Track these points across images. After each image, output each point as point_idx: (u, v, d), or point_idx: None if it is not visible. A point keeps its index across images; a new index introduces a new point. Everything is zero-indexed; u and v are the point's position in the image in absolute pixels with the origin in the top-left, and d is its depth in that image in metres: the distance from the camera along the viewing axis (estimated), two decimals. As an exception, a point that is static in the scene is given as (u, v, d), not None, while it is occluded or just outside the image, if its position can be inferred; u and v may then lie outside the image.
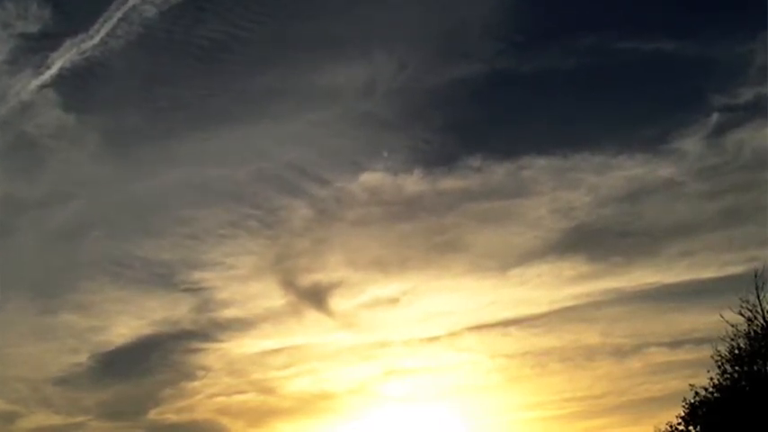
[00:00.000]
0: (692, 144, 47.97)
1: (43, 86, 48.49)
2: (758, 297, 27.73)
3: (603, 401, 48.87)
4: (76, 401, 50.48)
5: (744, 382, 27.98)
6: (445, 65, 51.14)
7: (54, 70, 48.01)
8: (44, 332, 51.42)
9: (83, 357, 49.88)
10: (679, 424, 29.30)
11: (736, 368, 28.19)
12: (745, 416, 26.90)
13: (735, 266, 44.48)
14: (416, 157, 51.46)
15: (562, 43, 49.96)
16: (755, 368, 27.86)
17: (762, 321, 27.69)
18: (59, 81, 48.57)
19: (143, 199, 52.78)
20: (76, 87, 49.58)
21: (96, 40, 47.47)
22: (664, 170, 48.48)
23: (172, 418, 49.12)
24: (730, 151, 47.56)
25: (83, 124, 51.04)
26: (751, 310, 27.76)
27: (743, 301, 27.87)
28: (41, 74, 48.20)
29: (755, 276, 27.60)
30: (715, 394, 28.52)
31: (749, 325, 27.87)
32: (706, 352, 29.20)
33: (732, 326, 28.09)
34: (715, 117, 47.78)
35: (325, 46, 51.01)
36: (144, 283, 52.27)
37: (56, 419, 49.12)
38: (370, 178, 51.07)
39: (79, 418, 49.36)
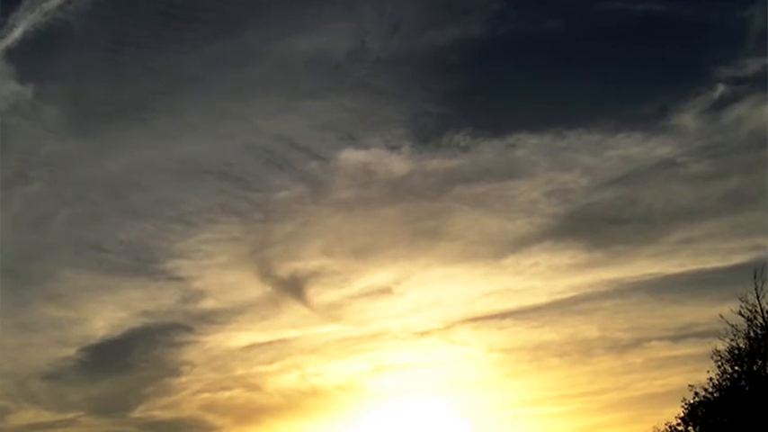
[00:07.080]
0: (691, 120, 46.35)
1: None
2: (758, 297, 27.58)
3: (603, 398, 48.06)
4: (65, 397, 50.01)
5: (743, 382, 27.85)
6: (440, 26, 49.03)
7: (13, 35, 43.98)
8: (23, 324, 50.42)
9: (70, 351, 49.18)
10: (678, 424, 29.24)
11: (736, 368, 28.08)
12: (744, 416, 26.82)
13: (739, 255, 43.51)
14: (406, 133, 50.22)
15: (548, 4, 48.35)
16: (755, 368, 27.74)
17: (762, 321, 27.60)
18: (13, 48, 44.72)
19: (114, 178, 50.71)
20: (33, 55, 45.56)
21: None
22: (662, 149, 46.95)
23: (159, 414, 48.84)
24: (732, 129, 45.71)
25: (42, 96, 47.53)
26: (751, 311, 27.66)
27: (742, 301, 27.78)
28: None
29: (755, 276, 27.39)
30: (714, 394, 28.39)
31: (749, 325, 27.71)
32: (709, 346, 28.77)
33: (732, 326, 27.96)
34: (717, 91, 45.85)
35: (307, 3, 48.41)
36: (121, 270, 51.05)
37: (46, 416, 48.69)
38: (355, 157, 49.82)
39: (70, 415, 48.93)
